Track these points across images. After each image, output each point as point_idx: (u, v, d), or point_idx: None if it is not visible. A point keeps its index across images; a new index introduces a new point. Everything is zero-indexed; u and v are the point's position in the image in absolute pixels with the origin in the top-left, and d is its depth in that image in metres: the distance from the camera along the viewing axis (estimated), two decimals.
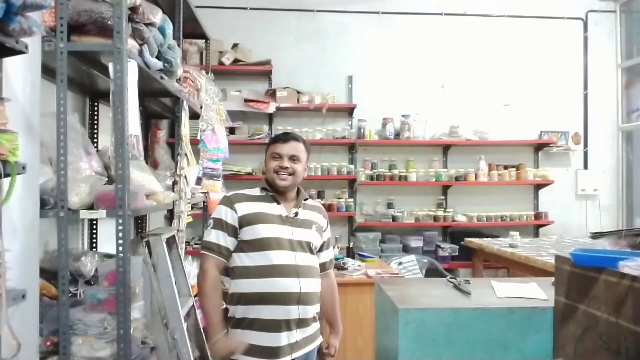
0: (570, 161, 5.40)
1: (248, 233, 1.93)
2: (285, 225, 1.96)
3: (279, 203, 2.00)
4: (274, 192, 2.01)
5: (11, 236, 1.41)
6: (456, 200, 5.19)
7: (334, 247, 2.20)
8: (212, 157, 3.17)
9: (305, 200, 2.10)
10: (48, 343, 1.74)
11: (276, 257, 1.90)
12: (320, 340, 2.07)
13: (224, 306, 2.03)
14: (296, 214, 2.01)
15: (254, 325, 1.89)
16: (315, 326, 2.02)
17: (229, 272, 2.00)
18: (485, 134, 5.09)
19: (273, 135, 2.05)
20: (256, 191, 2.05)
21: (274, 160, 2.00)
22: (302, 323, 1.93)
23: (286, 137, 2.04)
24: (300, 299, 1.91)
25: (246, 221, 1.93)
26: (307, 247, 1.99)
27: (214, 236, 1.94)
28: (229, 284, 2.01)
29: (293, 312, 1.90)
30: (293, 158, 2.00)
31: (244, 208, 1.95)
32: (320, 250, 2.09)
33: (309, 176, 4.79)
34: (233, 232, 1.94)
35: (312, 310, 1.98)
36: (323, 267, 2.11)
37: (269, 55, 4.95)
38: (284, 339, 1.89)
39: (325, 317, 2.15)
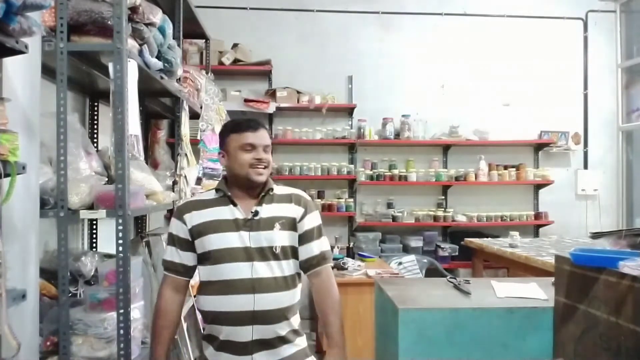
0: (570, 161, 5.40)
1: (199, 246, 1.73)
2: (240, 231, 1.70)
3: (235, 204, 1.74)
4: (232, 191, 1.76)
5: (11, 236, 1.41)
6: (456, 200, 5.19)
7: (324, 236, 1.84)
8: (212, 157, 3.17)
9: (272, 191, 1.78)
10: (48, 343, 1.74)
11: (229, 272, 1.68)
12: None
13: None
14: (256, 213, 1.73)
15: (217, 346, 1.73)
16: (290, 348, 1.74)
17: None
18: (485, 134, 5.09)
19: (232, 124, 1.81)
20: (210, 194, 1.81)
21: (246, 153, 1.71)
22: (265, 345, 1.69)
23: (256, 125, 1.76)
24: (254, 318, 1.66)
25: (196, 233, 1.73)
26: (270, 254, 1.71)
27: (169, 253, 1.78)
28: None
29: (246, 333, 1.67)
30: (266, 148, 1.75)
31: (194, 218, 1.74)
32: (301, 244, 1.78)
33: (309, 176, 4.80)
34: (187, 245, 1.75)
35: (277, 329, 1.71)
36: (307, 264, 1.79)
37: (269, 55, 4.95)
38: None
39: (322, 328, 1.88)
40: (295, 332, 1.78)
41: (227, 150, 1.76)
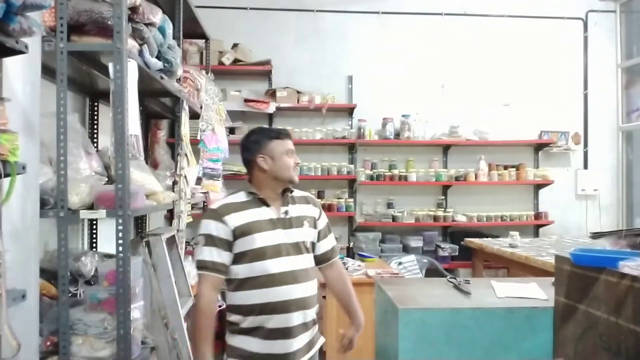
0: (570, 161, 5.40)
1: (241, 245, 1.85)
2: (277, 229, 1.88)
3: (268, 205, 1.91)
4: (262, 194, 1.92)
5: (11, 236, 1.41)
6: (456, 200, 5.19)
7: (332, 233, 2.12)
8: (212, 157, 3.18)
9: (292, 193, 2.00)
10: (48, 343, 1.74)
11: (273, 266, 1.84)
12: (321, 341, 2.02)
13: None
14: (286, 212, 1.93)
15: (266, 335, 1.84)
16: (315, 329, 1.98)
17: (226, 283, 1.93)
18: (485, 134, 5.09)
19: (273, 131, 2.01)
20: (241, 196, 1.93)
21: (289, 157, 1.93)
22: (304, 327, 1.90)
23: (289, 133, 2.00)
24: (300, 304, 1.87)
25: (239, 233, 1.84)
26: (303, 248, 1.93)
27: (207, 253, 1.84)
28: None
29: (295, 318, 1.85)
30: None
31: (235, 219, 1.85)
32: (318, 240, 2.02)
33: (309, 176, 4.79)
34: (227, 246, 1.85)
35: (312, 313, 1.94)
36: (325, 257, 2.04)
37: (269, 55, 4.95)
38: (290, 346, 1.85)
39: (343, 309, 2.11)
40: (316, 315, 2.00)
41: (272, 154, 1.92)
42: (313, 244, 2.00)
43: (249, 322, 1.85)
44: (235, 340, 1.88)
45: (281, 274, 1.85)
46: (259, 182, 1.94)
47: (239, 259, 1.86)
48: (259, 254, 1.84)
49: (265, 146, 1.92)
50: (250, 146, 1.95)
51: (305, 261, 1.94)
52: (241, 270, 1.85)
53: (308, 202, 2.03)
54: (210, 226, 1.85)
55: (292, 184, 1.95)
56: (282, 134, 1.96)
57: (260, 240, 1.85)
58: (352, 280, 3.41)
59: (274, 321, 1.83)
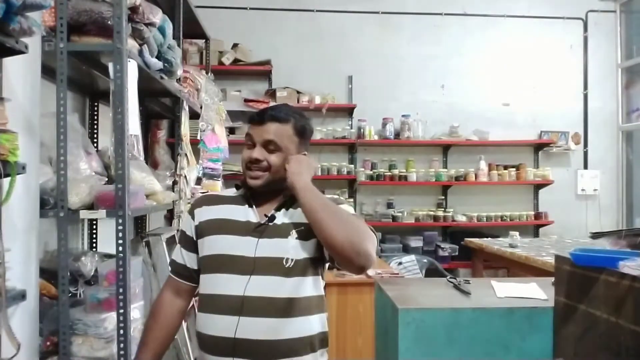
0: (570, 161, 5.40)
1: (201, 247, 1.41)
2: (248, 237, 1.36)
3: (251, 205, 1.42)
4: (249, 191, 1.45)
5: (11, 236, 1.41)
6: (456, 200, 5.19)
7: None
8: (212, 157, 3.17)
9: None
10: (48, 343, 1.74)
11: (218, 284, 1.34)
12: None
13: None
14: (272, 218, 1.38)
15: None
16: None
17: None
18: (485, 134, 5.09)
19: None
20: (233, 190, 1.53)
21: (246, 150, 1.43)
22: None
23: (262, 116, 1.39)
24: (235, 348, 1.28)
25: (200, 231, 1.41)
26: (279, 267, 1.32)
27: (175, 251, 1.50)
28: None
29: None
30: (269, 145, 1.39)
31: (204, 213, 1.43)
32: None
33: None
34: (192, 245, 1.44)
35: None
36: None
37: (269, 55, 4.95)
38: None
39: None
40: None
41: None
42: (316, 262, 1.39)
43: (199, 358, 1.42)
44: None
45: (225, 297, 1.32)
46: None
47: (201, 265, 1.43)
48: (214, 263, 1.37)
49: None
50: None
51: (280, 287, 1.32)
52: (201, 282, 1.42)
53: None
54: (184, 219, 1.57)
55: (249, 188, 1.44)
56: (251, 118, 1.46)
57: (217, 245, 1.38)
58: (352, 281, 3.46)
59: None
